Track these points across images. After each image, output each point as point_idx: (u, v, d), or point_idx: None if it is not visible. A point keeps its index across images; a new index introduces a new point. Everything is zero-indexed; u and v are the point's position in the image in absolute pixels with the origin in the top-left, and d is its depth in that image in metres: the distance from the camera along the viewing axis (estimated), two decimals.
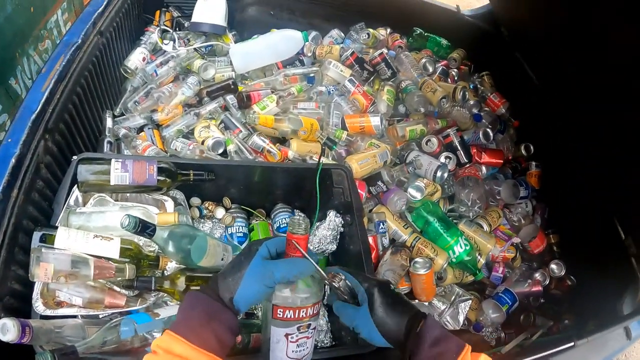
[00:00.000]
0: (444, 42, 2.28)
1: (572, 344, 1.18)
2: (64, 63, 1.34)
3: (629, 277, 1.52)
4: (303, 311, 0.80)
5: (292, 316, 0.80)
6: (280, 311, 0.79)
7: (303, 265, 0.77)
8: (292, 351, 0.82)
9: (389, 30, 2.26)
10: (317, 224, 1.36)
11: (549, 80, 1.99)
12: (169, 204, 1.24)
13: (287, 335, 0.81)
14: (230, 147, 1.57)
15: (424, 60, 2.08)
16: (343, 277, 0.86)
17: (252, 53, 1.87)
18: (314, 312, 0.82)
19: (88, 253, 0.99)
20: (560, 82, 1.90)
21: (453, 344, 0.79)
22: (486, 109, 2.12)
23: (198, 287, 1.06)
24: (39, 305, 0.94)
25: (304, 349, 0.84)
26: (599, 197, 1.72)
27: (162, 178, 1.18)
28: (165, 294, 1.10)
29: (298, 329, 0.81)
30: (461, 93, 2.00)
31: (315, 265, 0.78)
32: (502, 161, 1.92)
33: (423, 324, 0.79)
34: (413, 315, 0.81)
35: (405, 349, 0.80)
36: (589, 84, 1.60)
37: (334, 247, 1.36)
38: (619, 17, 1.24)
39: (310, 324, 0.82)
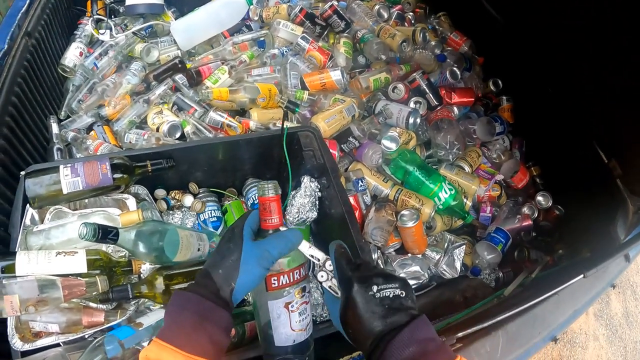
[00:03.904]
0: None
1: (582, 276, 1.12)
2: None
3: (616, 199, 1.49)
4: (296, 272, 0.77)
5: (287, 281, 0.76)
6: (274, 280, 0.76)
7: (293, 235, 0.73)
8: (296, 322, 0.78)
9: None
10: (293, 192, 1.28)
11: (509, 12, 1.92)
12: (131, 202, 1.15)
13: (287, 305, 0.77)
14: (188, 129, 1.47)
15: (377, 6, 1.98)
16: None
17: (195, 26, 1.74)
18: (305, 272, 0.79)
19: (54, 273, 0.91)
20: (523, 14, 1.83)
21: None
22: (448, 48, 2.05)
23: (180, 286, 0.99)
24: (16, 342, 0.89)
25: (305, 317, 0.80)
26: (575, 123, 1.68)
27: (118, 175, 1.08)
28: (146, 299, 1.02)
29: (296, 294, 0.78)
30: (421, 34, 1.92)
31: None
32: (473, 99, 1.86)
33: (393, 339, 0.62)
34: (379, 336, 0.64)
35: None
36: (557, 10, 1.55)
37: (314, 214, 1.27)
38: None
39: (304, 287, 0.79)
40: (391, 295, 0.66)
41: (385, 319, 0.64)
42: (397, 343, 0.61)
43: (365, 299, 0.66)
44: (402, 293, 0.67)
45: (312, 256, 0.77)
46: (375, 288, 0.66)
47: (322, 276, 0.75)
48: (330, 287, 0.75)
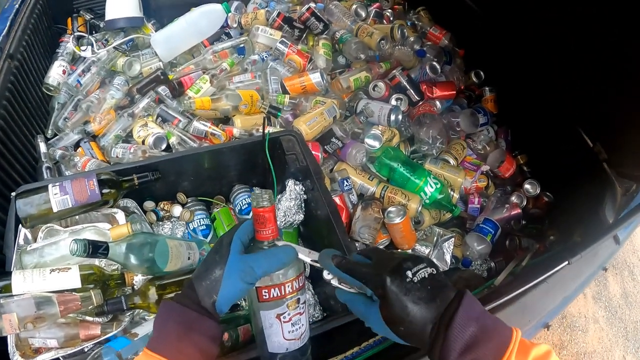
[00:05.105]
0: None
1: (566, 263, 1.13)
2: None
3: (604, 182, 1.50)
4: (288, 285, 0.75)
5: (279, 294, 0.74)
6: (265, 292, 0.74)
7: (284, 255, 0.71)
8: (289, 332, 0.77)
9: None
10: (278, 196, 1.29)
11: (486, 4, 1.93)
12: (120, 216, 1.16)
13: (278, 316, 0.75)
14: (173, 140, 1.48)
15: (354, 6, 1.99)
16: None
17: (174, 37, 1.75)
18: (300, 284, 0.77)
19: (49, 290, 0.93)
20: (500, 5, 1.84)
21: (491, 348, 0.56)
22: (428, 43, 2.05)
23: (172, 295, 0.99)
24: (17, 359, 0.90)
25: (299, 327, 0.78)
26: (558, 110, 1.69)
27: (106, 190, 1.10)
28: (140, 309, 1.03)
29: (288, 306, 0.76)
30: (399, 31, 1.92)
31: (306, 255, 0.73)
32: (454, 92, 1.87)
33: (452, 322, 0.57)
34: (441, 313, 0.59)
35: (432, 356, 0.60)
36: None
37: (301, 216, 1.29)
38: None
39: (299, 299, 0.77)
40: (427, 275, 0.61)
41: (435, 301, 0.59)
42: (457, 326, 0.57)
43: (405, 289, 0.60)
44: (433, 270, 0.62)
45: (316, 262, 0.74)
46: (409, 273, 0.61)
47: (327, 273, 0.72)
48: (341, 283, 0.71)
